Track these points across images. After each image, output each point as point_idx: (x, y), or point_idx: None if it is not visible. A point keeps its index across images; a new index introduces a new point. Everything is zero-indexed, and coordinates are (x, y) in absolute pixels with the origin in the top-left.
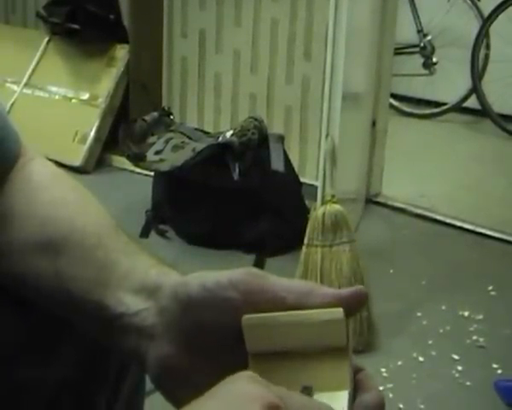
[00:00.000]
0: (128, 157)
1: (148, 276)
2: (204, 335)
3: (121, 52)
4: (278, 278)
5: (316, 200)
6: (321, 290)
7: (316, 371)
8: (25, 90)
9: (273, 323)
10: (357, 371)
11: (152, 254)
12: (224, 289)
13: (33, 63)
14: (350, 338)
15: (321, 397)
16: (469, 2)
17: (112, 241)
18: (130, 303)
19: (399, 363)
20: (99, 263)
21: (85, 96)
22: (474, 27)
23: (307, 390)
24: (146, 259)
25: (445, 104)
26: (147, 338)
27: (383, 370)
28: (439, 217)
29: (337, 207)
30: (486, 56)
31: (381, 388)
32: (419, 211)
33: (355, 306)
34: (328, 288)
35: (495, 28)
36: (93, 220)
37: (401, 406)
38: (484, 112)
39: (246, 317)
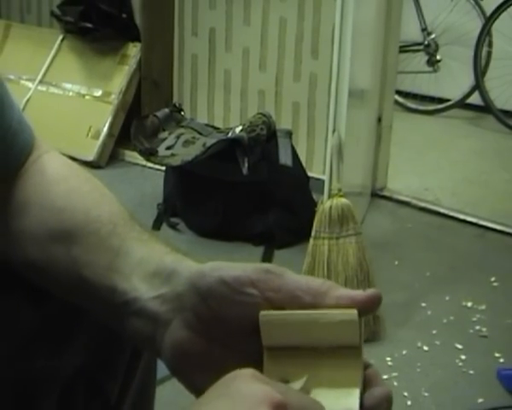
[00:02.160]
0: (140, 152)
1: (163, 262)
2: (220, 325)
3: (133, 50)
4: (296, 276)
5: (323, 193)
6: (337, 292)
7: (328, 368)
8: (39, 87)
9: (289, 320)
10: (365, 367)
11: (166, 242)
12: (243, 286)
13: (48, 61)
14: (362, 338)
15: (332, 393)
16: (472, 1)
17: (126, 229)
18: (145, 289)
19: (404, 352)
20: (114, 250)
21: (98, 92)
22: (476, 26)
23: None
24: (160, 246)
25: (448, 100)
26: (162, 323)
27: (388, 359)
28: (442, 210)
29: (343, 200)
30: (489, 54)
31: (385, 376)
32: (423, 204)
33: (369, 308)
34: (343, 289)
35: (497, 26)
36: (108, 210)
37: (405, 394)
38: (486, 108)
39: (263, 313)
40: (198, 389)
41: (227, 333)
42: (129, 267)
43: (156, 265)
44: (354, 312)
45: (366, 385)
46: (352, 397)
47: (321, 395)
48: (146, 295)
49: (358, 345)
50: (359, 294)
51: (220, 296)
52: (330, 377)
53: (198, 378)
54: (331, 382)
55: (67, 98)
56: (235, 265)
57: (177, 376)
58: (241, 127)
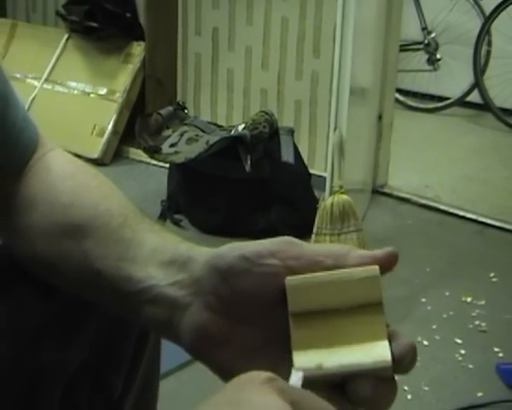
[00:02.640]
0: (144, 149)
1: (178, 250)
2: (243, 302)
3: (137, 49)
4: (314, 245)
5: (324, 190)
6: (357, 252)
7: (354, 327)
8: (45, 86)
9: (314, 282)
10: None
11: (177, 233)
12: (263, 257)
13: (53, 60)
14: (383, 295)
15: (362, 349)
16: (472, 0)
17: (137, 221)
18: (162, 276)
19: None
20: (126, 241)
21: (103, 91)
22: (476, 25)
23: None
24: (172, 236)
25: (448, 99)
26: (180, 307)
27: None
28: (442, 207)
29: (345, 197)
30: (488, 53)
31: None
32: (423, 201)
33: (389, 265)
34: (362, 250)
35: (496, 26)
36: (117, 203)
37: (406, 388)
38: (485, 106)
39: (289, 278)
40: (221, 368)
41: (250, 310)
42: (143, 257)
43: (171, 253)
44: (376, 267)
45: (390, 340)
46: (383, 348)
47: (351, 353)
48: (162, 282)
49: (381, 301)
50: (379, 251)
51: (241, 272)
52: (357, 335)
53: (221, 358)
54: (359, 339)
55: (72, 96)
56: (253, 242)
57: (199, 358)
58: (243, 125)
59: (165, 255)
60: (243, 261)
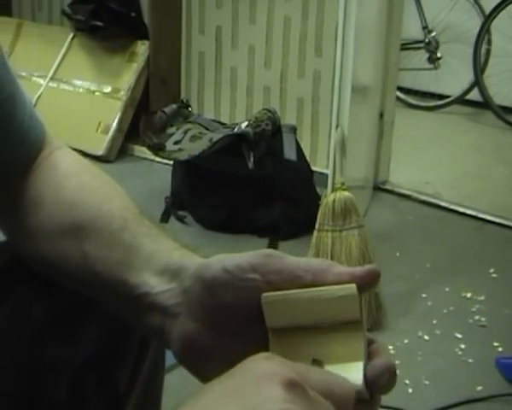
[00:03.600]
0: (148, 147)
1: (172, 258)
2: (226, 314)
3: (142, 48)
4: (295, 258)
5: (326, 187)
6: (336, 269)
7: (332, 344)
8: (51, 84)
9: (290, 299)
10: (369, 343)
11: (174, 238)
12: (244, 272)
13: (58, 58)
14: (363, 313)
15: (336, 368)
16: (471, 0)
17: (137, 225)
18: (155, 284)
19: (406, 341)
20: (125, 245)
21: (108, 89)
22: (476, 24)
23: (318, 363)
24: (169, 242)
25: (448, 97)
26: (171, 316)
27: (390, 347)
28: (442, 203)
29: (346, 193)
30: (488, 51)
31: None
32: (424, 197)
33: (368, 283)
34: (343, 266)
35: (496, 25)
36: (118, 205)
37: (407, 382)
38: (485, 104)
39: (265, 295)
40: (207, 378)
41: (233, 322)
42: (140, 263)
43: (165, 261)
44: (353, 286)
45: (370, 359)
46: (356, 370)
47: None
48: (155, 289)
49: (360, 319)
50: (358, 269)
51: (223, 284)
52: (334, 353)
53: (207, 368)
54: (336, 358)
55: (78, 94)
56: (238, 254)
57: (187, 366)
58: (246, 123)
59: (159, 263)
60: (225, 274)
